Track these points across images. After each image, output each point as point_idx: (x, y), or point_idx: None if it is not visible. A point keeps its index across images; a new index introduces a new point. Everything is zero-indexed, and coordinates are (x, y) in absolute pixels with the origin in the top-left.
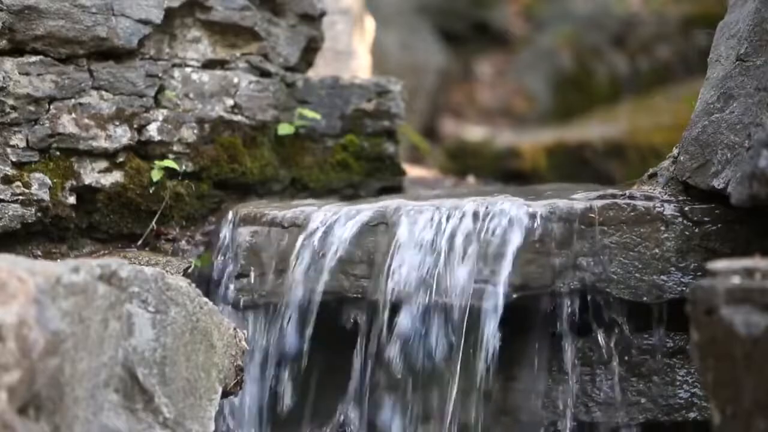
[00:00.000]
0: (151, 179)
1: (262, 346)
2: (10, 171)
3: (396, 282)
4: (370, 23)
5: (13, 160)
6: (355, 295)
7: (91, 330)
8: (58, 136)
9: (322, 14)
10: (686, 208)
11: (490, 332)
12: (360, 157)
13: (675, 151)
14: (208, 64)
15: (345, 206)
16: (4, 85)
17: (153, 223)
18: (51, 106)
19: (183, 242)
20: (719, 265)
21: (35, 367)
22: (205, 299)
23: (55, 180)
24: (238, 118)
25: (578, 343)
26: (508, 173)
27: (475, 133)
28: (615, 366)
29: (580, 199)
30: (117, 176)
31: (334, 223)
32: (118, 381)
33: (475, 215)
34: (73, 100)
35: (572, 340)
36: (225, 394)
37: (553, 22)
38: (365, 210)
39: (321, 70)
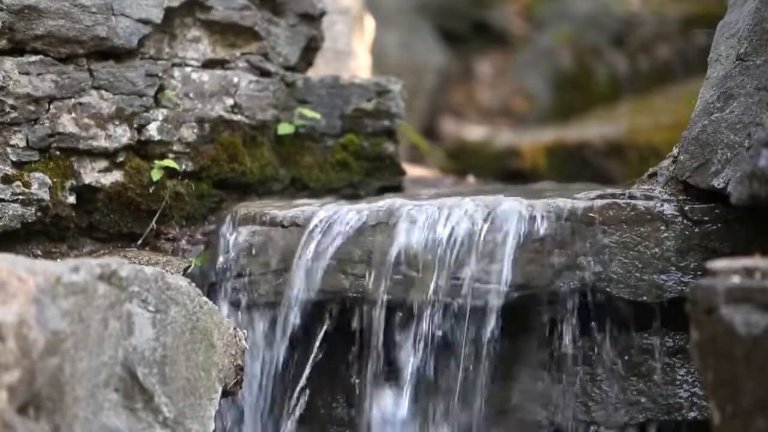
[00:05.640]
0: (151, 179)
1: (263, 345)
2: (10, 171)
3: (396, 281)
4: (369, 23)
5: (13, 159)
6: (355, 295)
7: (91, 329)
8: (58, 136)
9: (322, 14)
10: (686, 208)
11: (490, 331)
12: (360, 157)
13: (675, 151)
14: (208, 64)
15: (345, 206)
16: (4, 85)
17: (153, 222)
18: (51, 106)
19: (183, 242)
20: (719, 264)
21: (35, 367)
22: (205, 299)
23: (55, 179)
24: (238, 117)
25: (578, 342)
26: (508, 173)
27: (475, 132)
28: (615, 365)
29: (581, 199)
30: (117, 176)
31: (334, 222)
32: (118, 380)
33: (475, 215)
34: (73, 100)
35: (572, 339)
36: (225, 394)
37: (553, 22)
38: (365, 209)
39: (321, 69)
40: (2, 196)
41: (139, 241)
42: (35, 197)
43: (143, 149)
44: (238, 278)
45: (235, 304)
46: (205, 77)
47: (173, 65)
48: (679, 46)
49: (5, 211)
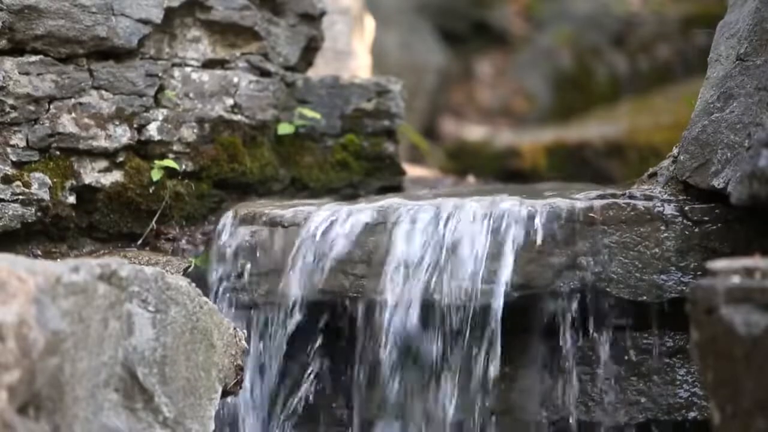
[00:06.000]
0: (151, 179)
1: (262, 345)
2: (10, 171)
3: (396, 281)
4: (369, 23)
5: (13, 159)
6: (354, 295)
7: (91, 329)
8: (58, 136)
9: (323, 14)
10: (686, 208)
11: (490, 331)
12: (360, 157)
13: (675, 151)
14: (208, 64)
15: (345, 206)
16: (4, 85)
17: (153, 222)
18: (51, 106)
19: (183, 242)
20: (719, 264)
21: (35, 367)
22: (205, 299)
23: (55, 180)
24: (238, 117)
25: (578, 342)
26: (508, 173)
27: (475, 132)
28: (615, 365)
29: (581, 199)
30: (117, 176)
31: (334, 222)
32: (118, 380)
33: (475, 215)
34: (73, 100)
35: (572, 339)
36: (225, 394)
37: (553, 22)
38: (365, 209)
39: (321, 69)
40: (2, 196)
41: (139, 241)
42: (35, 197)
43: (143, 149)
44: (238, 278)
45: (235, 304)
46: (205, 77)
47: (173, 65)
48: (679, 46)
49: (5, 211)
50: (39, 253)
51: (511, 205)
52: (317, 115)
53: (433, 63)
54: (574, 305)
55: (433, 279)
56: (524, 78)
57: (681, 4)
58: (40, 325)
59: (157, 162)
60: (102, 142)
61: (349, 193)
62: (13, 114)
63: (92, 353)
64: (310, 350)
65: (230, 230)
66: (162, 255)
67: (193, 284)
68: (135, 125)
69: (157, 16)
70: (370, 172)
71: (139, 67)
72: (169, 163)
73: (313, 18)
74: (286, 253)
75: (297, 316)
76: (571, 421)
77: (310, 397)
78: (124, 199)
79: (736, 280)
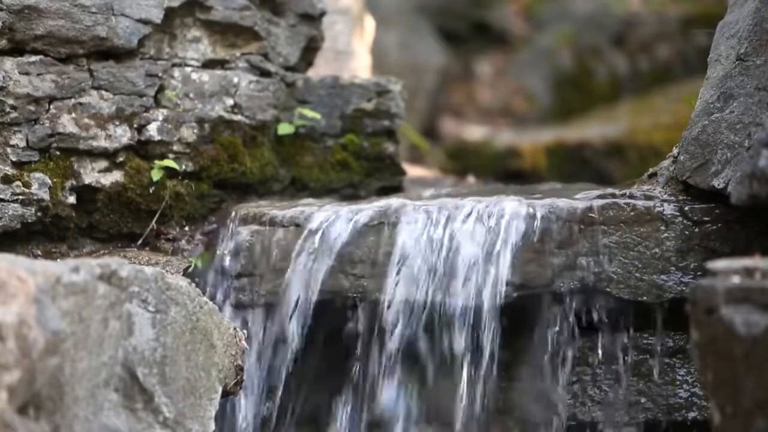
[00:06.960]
0: (151, 179)
1: (262, 345)
2: (10, 171)
3: (396, 281)
4: (369, 23)
5: (13, 159)
6: (355, 295)
7: (91, 329)
8: (58, 136)
9: (322, 14)
10: (686, 208)
11: (490, 331)
12: (360, 157)
13: (675, 151)
14: (208, 64)
15: (345, 206)
16: (4, 85)
17: (153, 222)
18: (51, 106)
19: (183, 242)
20: (719, 264)
21: (35, 367)
22: (205, 299)
23: (55, 180)
24: (238, 117)
25: (578, 342)
26: (508, 173)
27: (475, 132)
28: (615, 365)
29: (580, 199)
30: (117, 176)
31: (334, 222)
32: (118, 380)
33: (475, 215)
34: (73, 100)
35: (572, 339)
36: (225, 394)
37: (553, 22)
38: (365, 210)
39: (321, 69)
40: (2, 196)
41: (139, 241)
42: (35, 197)
43: (143, 149)
44: (238, 278)
45: (235, 305)
46: (205, 77)
47: (173, 65)
48: (679, 46)
49: (5, 211)
50: (39, 253)
51: (510, 205)
52: (317, 115)
53: (433, 63)
54: (574, 305)
55: (433, 279)
56: (524, 78)
57: (681, 4)
58: (40, 325)
59: (157, 162)
60: (102, 142)
61: (349, 194)
62: (13, 114)
63: (92, 353)
64: (310, 350)
65: (230, 230)
66: (162, 255)
67: (193, 284)
68: (135, 125)
69: (157, 16)
70: (370, 172)
71: (139, 67)
72: (169, 163)
73: (313, 18)
74: (286, 253)
75: (297, 316)
76: (571, 421)
77: (311, 397)
78: (124, 199)
79: (736, 280)
